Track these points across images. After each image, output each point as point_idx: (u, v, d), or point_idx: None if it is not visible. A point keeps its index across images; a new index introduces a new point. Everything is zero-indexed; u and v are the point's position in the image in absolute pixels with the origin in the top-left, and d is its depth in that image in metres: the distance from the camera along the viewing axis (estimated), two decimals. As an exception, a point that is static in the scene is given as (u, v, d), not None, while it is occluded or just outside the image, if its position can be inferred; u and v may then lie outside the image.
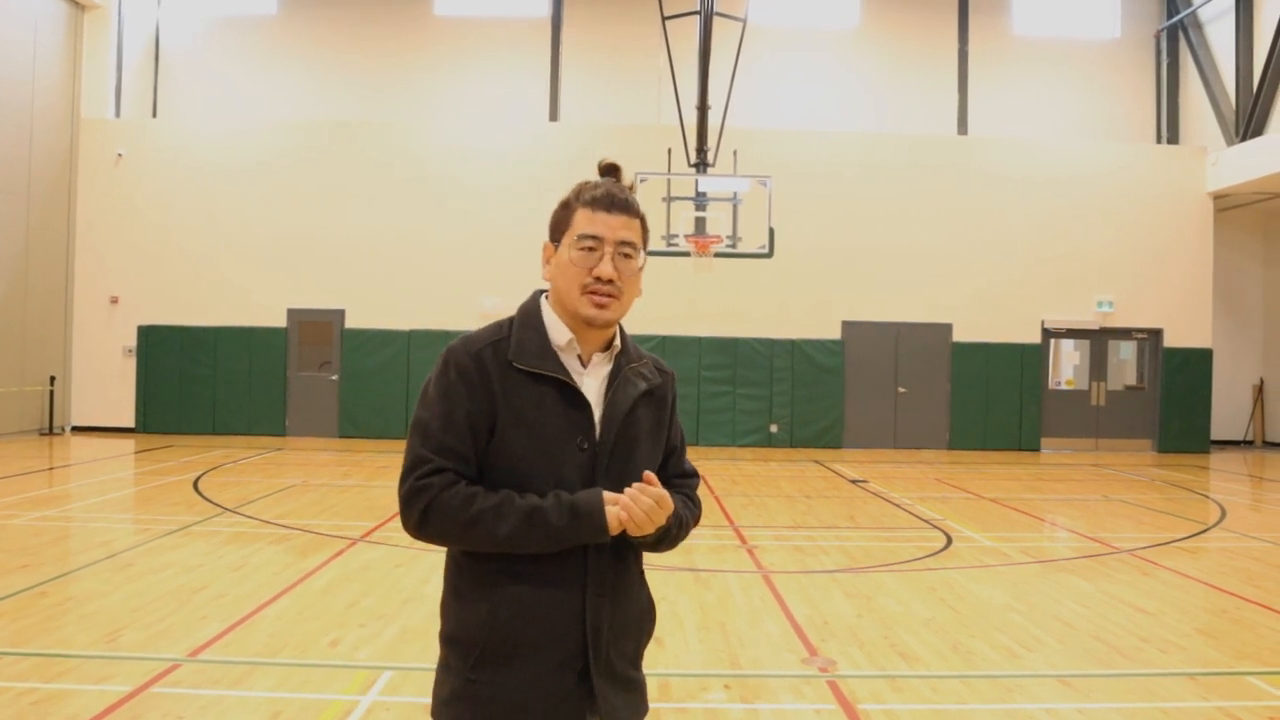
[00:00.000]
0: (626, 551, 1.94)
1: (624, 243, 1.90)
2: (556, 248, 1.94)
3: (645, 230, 1.96)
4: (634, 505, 1.83)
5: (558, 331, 1.92)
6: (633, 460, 1.92)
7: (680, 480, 2.09)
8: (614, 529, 1.83)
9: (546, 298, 1.98)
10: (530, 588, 1.84)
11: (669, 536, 1.94)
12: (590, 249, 1.88)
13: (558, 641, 1.85)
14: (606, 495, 1.84)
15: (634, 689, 1.97)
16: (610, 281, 1.88)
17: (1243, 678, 4.85)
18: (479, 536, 1.82)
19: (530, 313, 1.95)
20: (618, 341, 1.98)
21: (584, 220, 1.89)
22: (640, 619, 2.00)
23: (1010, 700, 4.50)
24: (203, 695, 4.29)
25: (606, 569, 1.89)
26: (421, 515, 1.83)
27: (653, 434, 2.00)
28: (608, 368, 1.96)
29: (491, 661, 1.84)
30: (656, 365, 2.06)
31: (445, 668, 1.90)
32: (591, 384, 1.93)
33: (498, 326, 1.95)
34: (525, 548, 1.82)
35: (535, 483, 1.84)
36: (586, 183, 1.95)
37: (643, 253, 1.95)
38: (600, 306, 1.88)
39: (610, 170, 1.99)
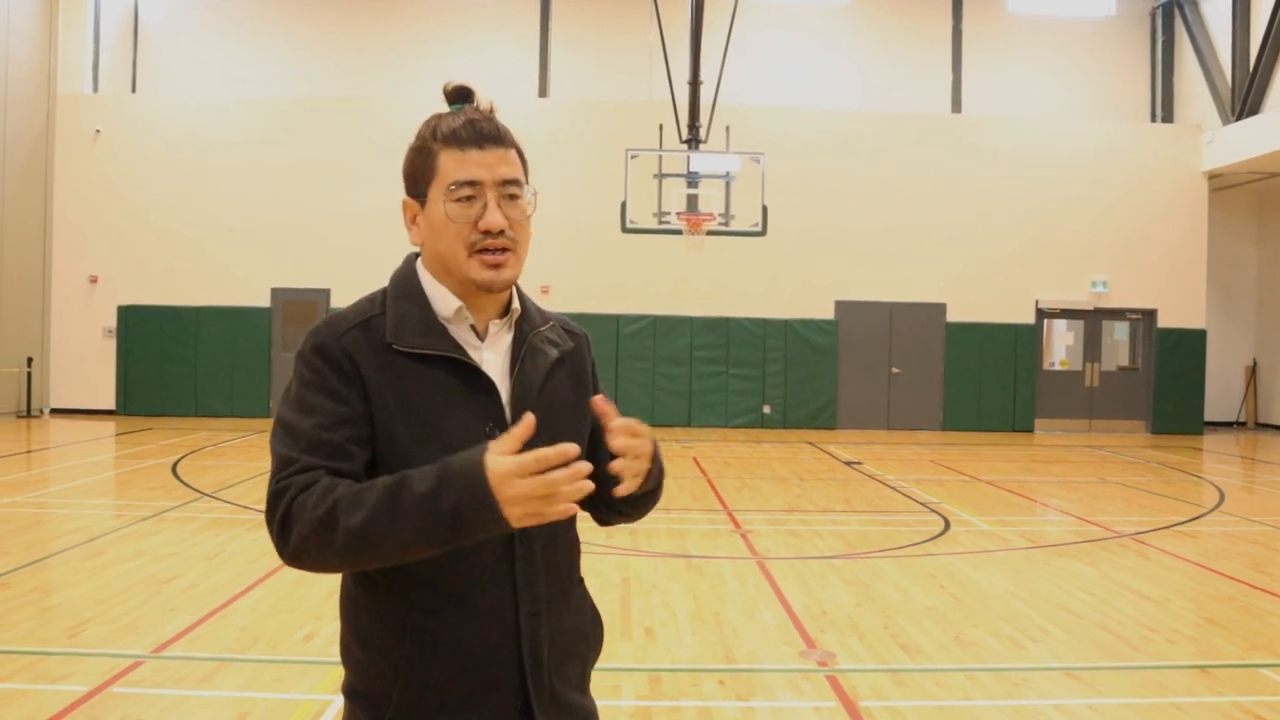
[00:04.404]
0: (561, 556, 1.61)
1: (507, 182, 1.52)
2: (422, 203, 1.56)
3: (524, 162, 1.59)
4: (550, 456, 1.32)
5: (443, 300, 1.55)
6: (555, 443, 1.56)
7: None
8: (509, 483, 1.30)
9: (423, 261, 1.61)
10: (449, 616, 1.48)
11: (657, 486, 1.61)
12: (469, 198, 1.51)
13: (491, 678, 1.50)
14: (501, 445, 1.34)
15: (584, 718, 1.65)
16: (501, 233, 1.51)
17: (1256, 670, 4.66)
18: (338, 538, 1.35)
19: (406, 281, 1.58)
20: (516, 304, 1.61)
21: (453, 164, 1.51)
22: (585, 636, 1.67)
23: (1017, 695, 4.30)
24: (165, 695, 4.04)
25: (539, 579, 1.54)
26: (281, 528, 1.41)
27: (574, 409, 1.65)
28: (509, 336, 1.60)
29: (411, 714, 1.49)
30: (565, 327, 1.70)
31: None
32: (493, 359, 1.57)
33: (368, 302, 1.56)
34: (387, 538, 1.34)
35: None
36: (440, 115, 1.56)
37: (529, 189, 1.57)
38: (496, 266, 1.51)
39: (461, 94, 1.58)
